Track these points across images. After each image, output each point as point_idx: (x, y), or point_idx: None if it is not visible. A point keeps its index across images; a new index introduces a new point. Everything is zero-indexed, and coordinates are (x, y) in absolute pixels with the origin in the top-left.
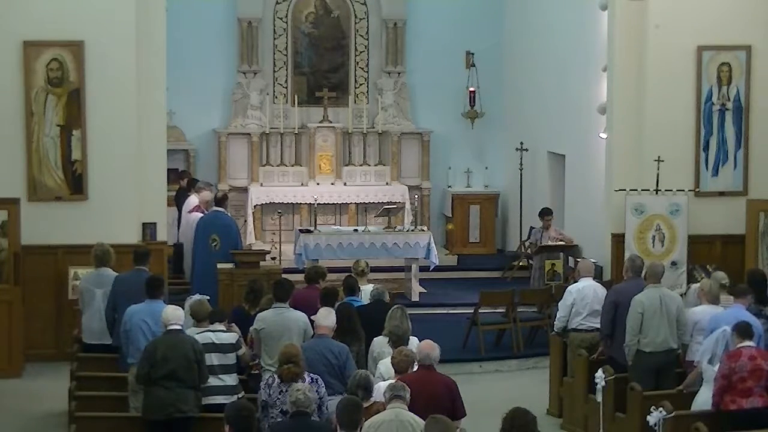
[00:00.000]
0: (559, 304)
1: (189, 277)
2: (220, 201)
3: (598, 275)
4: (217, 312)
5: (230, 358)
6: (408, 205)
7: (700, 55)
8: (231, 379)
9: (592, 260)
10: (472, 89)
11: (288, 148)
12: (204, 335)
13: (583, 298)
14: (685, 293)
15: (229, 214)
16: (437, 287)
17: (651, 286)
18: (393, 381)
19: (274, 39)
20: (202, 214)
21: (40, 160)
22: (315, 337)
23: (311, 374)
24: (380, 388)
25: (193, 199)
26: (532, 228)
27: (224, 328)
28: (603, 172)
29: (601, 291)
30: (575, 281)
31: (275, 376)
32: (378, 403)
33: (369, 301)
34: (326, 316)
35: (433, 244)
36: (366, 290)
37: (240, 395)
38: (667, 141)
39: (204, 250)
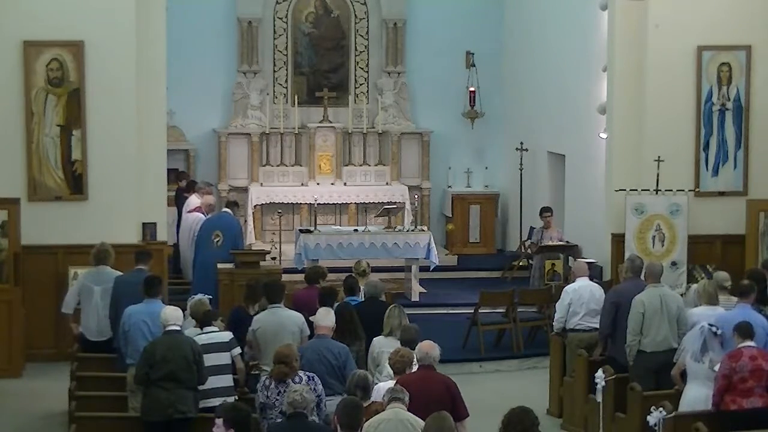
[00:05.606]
0: (556, 305)
1: (187, 276)
2: (231, 205)
3: (597, 275)
4: (209, 313)
5: (224, 358)
6: (408, 205)
7: (700, 55)
8: (226, 380)
9: (592, 260)
10: (472, 89)
11: (288, 148)
12: (201, 336)
13: (579, 298)
14: (684, 293)
15: (234, 216)
16: (437, 287)
17: (651, 286)
18: (393, 384)
19: (274, 39)
20: (202, 215)
21: (40, 160)
22: (315, 338)
23: (308, 373)
24: (380, 388)
25: (193, 200)
26: (532, 228)
27: (217, 328)
28: (603, 172)
29: (598, 290)
30: (573, 282)
31: (270, 377)
32: (377, 403)
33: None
34: (325, 316)
35: (433, 244)
36: None
37: (235, 397)
38: (667, 141)
39: (206, 249)
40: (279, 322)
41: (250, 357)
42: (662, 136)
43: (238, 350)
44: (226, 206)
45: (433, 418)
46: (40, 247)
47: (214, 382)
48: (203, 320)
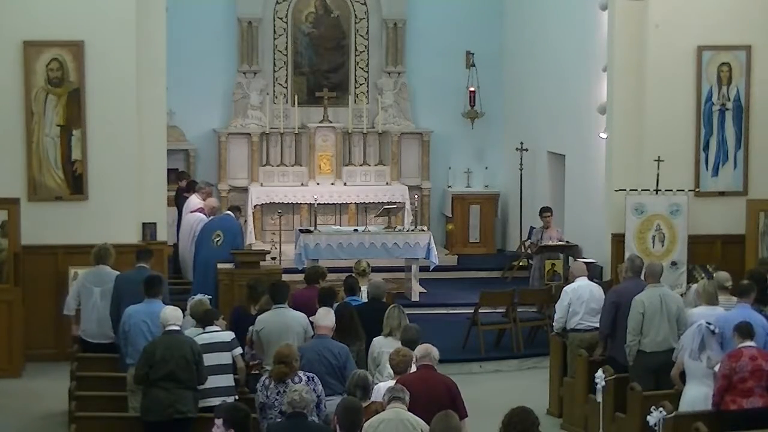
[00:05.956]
0: (556, 305)
1: (187, 276)
2: (233, 210)
3: (597, 275)
4: (209, 313)
5: (224, 358)
6: (408, 205)
7: (700, 55)
8: (226, 380)
9: (592, 260)
10: (472, 89)
11: (288, 148)
12: (203, 336)
13: (578, 298)
14: (684, 293)
15: (236, 219)
16: (437, 287)
17: (651, 286)
18: (393, 384)
19: (274, 39)
20: (203, 215)
21: (40, 160)
22: (315, 338)
23: (307, 373)
24: (380, 388)
25: (194, 200)
26: (532, 228)
27: (219, 328)
28: (603, 172)
29: (597, 290)
30: (573, 282)
31: (270, 377)
32: (377, 403)
33: (365, 299)
34: (325, 316)
35: (433, 244)
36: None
37: (235, 396)
38: (667, 141)
39: (207, 249)
40: (284, 323)
41: (251, 357)
42: (662, 136)
43: (239, 350)
44: (229, 209)
45: (439, 418)
46: (40, 247)
47: (214, 381)
48: (203, 320)
